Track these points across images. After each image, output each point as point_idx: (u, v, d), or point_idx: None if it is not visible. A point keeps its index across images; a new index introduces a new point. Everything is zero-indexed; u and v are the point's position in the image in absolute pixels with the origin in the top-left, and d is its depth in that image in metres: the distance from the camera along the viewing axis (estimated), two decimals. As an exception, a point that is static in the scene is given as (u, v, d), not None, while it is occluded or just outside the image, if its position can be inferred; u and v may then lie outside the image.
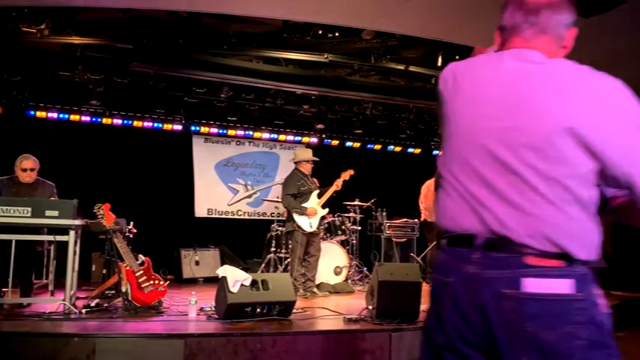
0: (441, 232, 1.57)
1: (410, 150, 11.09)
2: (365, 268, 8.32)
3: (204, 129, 9.57)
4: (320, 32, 6.62)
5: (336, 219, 7.86)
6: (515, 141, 1.41)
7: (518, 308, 1.36)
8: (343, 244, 7.94)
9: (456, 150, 1.54)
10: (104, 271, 6.85)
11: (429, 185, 8.34)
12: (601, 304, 1.42)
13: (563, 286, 1.36)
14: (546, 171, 1.37)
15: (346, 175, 7.00)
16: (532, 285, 1.36)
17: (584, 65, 1.43)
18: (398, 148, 10.98)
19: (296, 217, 6.65)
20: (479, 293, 1.41)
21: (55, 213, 4.87)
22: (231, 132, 9.75)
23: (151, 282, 5.12)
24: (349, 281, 7.72)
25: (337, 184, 6.92)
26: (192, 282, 8.04)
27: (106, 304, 5.13)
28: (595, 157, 1.35)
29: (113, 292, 5.61)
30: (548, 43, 1.51)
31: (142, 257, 5.26)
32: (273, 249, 7.85)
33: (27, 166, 5.47)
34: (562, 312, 1.35)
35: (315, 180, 7.05)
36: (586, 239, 1.40)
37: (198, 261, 8.36)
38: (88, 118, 8.58)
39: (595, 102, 1.36)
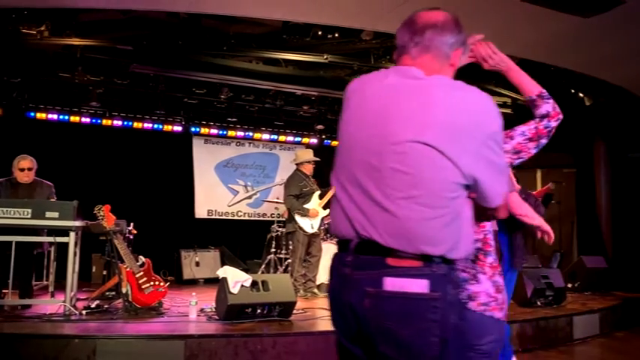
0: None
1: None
2: (365, 269, 8.30)
3: (204, 130, 9.58)
4: (319, 33, 6.63)
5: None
6: (383, 148, 1.51)
7: (379, 306, 1.46)
8: (343, 244, 7.92)
9: (342, 160, 1.66)
10: (104, 273, 6.85)
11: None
12: (456, 302, 1.50)
13: (418, 286, 1.44)
14: (409, 175, 1.47)
15: None
16: (391, 284, 1.45)
17: (458, 81, 1.55)
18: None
19: (298, 218, 6.66)
20: (349, 292, 1.52)
21: (56, 214, 4.88)
22: (231, 133, 9.75)
23: (152, 283, 5.12)
24: (349, 282, 7.71)
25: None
26: (193, 283, 8.04)
27: (106, 306, 5.13)
28: (454, 164, 1.47)
29: (113, 293, 5.62)
30: (432, 61, 1.62)
31: (142, 258, 5.26)
32: (273, 250, 7.85)
33: (25, 166, 5.47)
34: (416, 310, 1.44)
35: (314, 180, 7.06)
36: (446, 239, 1.48)
37: (199, 262, 8.36)
38: (88, 120, 8.58)
39: (452, 117, 1.47)
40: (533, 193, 4.06)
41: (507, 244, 3.53)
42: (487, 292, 1.99)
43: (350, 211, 1.57)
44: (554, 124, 2.07)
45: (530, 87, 2.09)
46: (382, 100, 1.57)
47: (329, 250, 7.43)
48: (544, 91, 2.10)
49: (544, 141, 2.09)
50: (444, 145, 1.45)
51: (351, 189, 1.58)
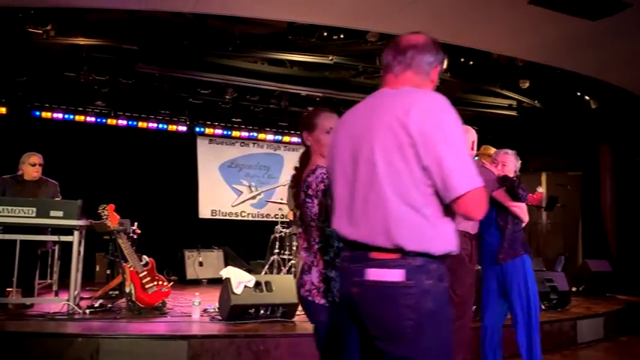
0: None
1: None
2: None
3: (208, 130, 9.59)
4: (325, 34, 6.62)
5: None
6: None
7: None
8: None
9: None
10: (108, 272, 6.85)
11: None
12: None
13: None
14: None
15: None
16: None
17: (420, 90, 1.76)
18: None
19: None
20: None
21: (60, 213, 4.89)
22: (235, 133, 9.75)
23: (155, 283, 5.12)
24: (353, 283, 7.69)
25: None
26: (196, 283, 8.04)
27: (109, 305, 5.14)
28: None
29: (117, 292, 5.63)
30: (413, 77, 1.81)
31: (145, 258, 5.26)
32: (276, 250, 7.83)
33: (36, 162, 5.51)
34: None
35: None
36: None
37: (202, 262, 8.36)
38: (93, 119, 8.61)
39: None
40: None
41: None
42: (312, 281, 2.28)
43: None
44: None
45: None
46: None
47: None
48: None
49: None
50: None
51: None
